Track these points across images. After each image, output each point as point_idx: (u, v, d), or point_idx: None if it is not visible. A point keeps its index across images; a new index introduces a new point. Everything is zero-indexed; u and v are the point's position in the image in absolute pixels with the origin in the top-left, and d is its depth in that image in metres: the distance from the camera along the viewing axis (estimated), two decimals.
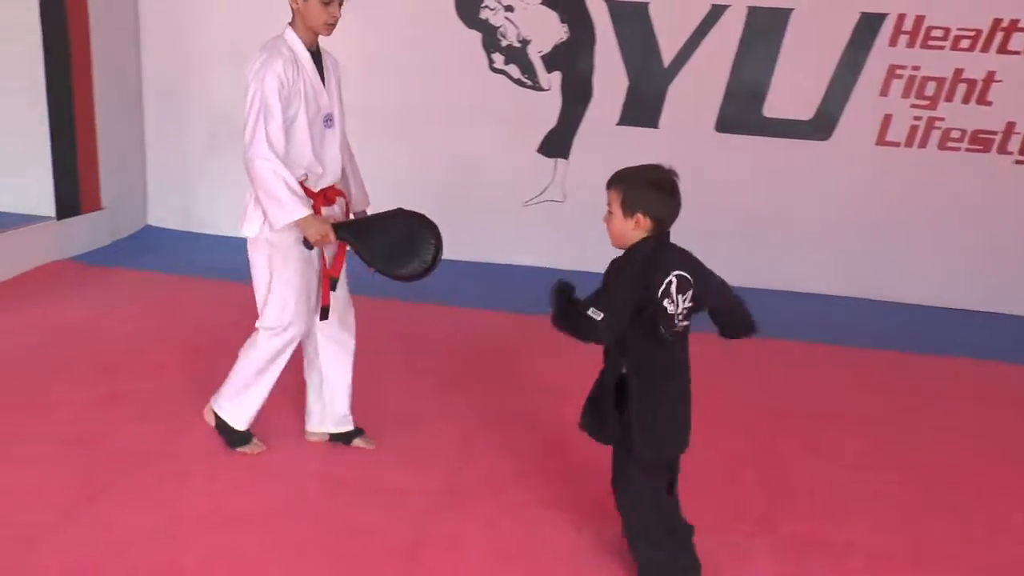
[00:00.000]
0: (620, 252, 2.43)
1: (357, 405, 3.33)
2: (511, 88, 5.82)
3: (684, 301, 2.35)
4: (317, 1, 2.79)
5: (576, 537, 2.80)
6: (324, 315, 3.09)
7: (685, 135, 5.67)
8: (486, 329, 4.77)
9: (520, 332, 4.72)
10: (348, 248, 3.03)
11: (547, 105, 5.84)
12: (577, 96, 5.78)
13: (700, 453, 2.68)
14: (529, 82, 5.79)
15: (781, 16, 5.42)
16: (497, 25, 5.71)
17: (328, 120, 2.98)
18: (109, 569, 2.49)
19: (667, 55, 5.61)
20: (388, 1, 5.74)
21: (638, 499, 2.49)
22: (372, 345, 4.14)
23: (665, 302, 2.31)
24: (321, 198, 2.98)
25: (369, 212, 3.28)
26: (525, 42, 5.72)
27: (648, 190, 2.37)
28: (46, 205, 5.41)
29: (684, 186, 2.39)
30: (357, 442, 3.31)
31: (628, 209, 2.37)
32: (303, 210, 2.78)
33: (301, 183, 2.87)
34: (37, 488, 2.88)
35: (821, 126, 5.59)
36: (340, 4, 2.85)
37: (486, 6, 5.68)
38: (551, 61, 5.75)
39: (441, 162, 5.99)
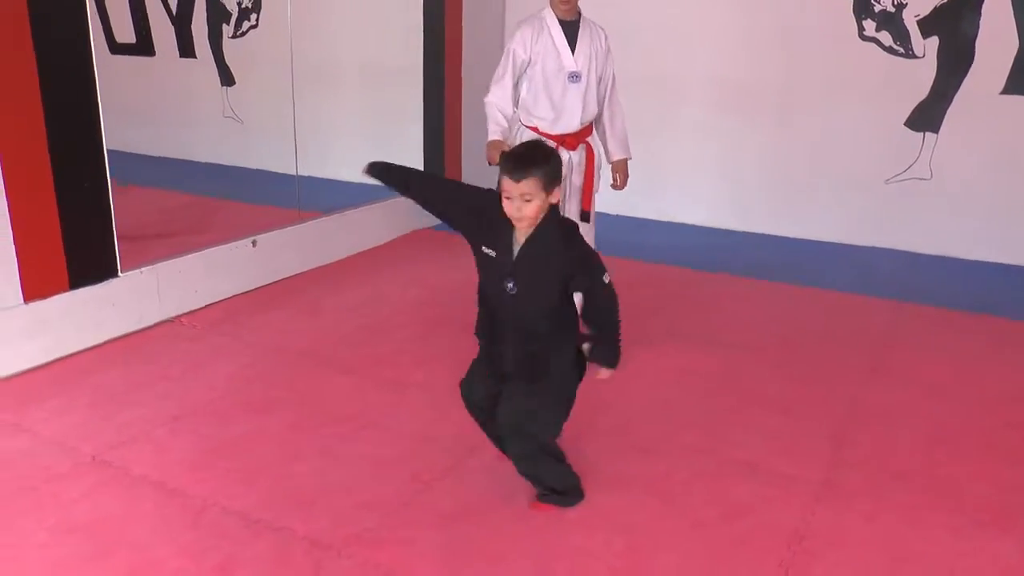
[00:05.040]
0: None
1: (731, 385, 3.43)
2: (880, 57, 5.38)
3: None
4: None
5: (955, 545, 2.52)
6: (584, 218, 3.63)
7: None
8: (852, 315, 4.48)
9: (890, 319, 4.40)
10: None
11: (919, 75, 5.33)
12: (955, 64, 5.22)
13: None
14: (901, 50, 5.32)
15: None
16: None
17: (573, 77, 3.48)
18: None
19: None
20: None
21: None
22: (744, 336, 4.12)
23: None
24: (559, 141, 3.48)
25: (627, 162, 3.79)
26: (901, 6, 5.25)
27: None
28: None
29: None
30: (584, 344, 3.70)
31: (550, 187, 2.32)
32: (494, 135, 3.46)
33: (536, 128, 3.50)
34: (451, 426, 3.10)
35: None
36: None
37: None
38: (928, 25, 5.23)
39: (801, 134, 5.73)
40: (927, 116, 5.38)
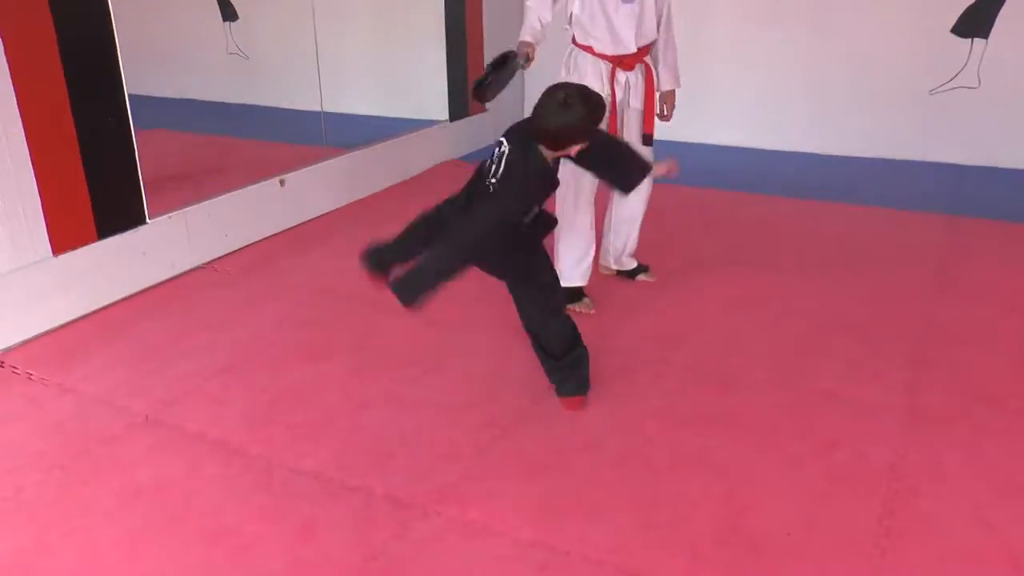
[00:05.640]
0: None
1: (797, 310, 3.21)
2: None
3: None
4: None
5: None
6: None
7: None
8: (908, 232, 4.30)
9: (947, 235, 4.22)
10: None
11: None
12: None
13: None
14: None
15: None
16: None
17: None
18: None
19: None
20: None
21: None
22: (800, 259, 3.96)
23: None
24: (616, 61, 3.30)
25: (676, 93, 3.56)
26: None
27: None
28: (442, 111, 5.87)
29: None
30: (641, 277, 3.72)
31: None
32: (525, 36, 3.23)
33: (591, 48, 3.29)
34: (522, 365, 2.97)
35: None
36: None
37: None
38: None
39: (840, 46, 5.48)
40: (976, 21, 5.11)
